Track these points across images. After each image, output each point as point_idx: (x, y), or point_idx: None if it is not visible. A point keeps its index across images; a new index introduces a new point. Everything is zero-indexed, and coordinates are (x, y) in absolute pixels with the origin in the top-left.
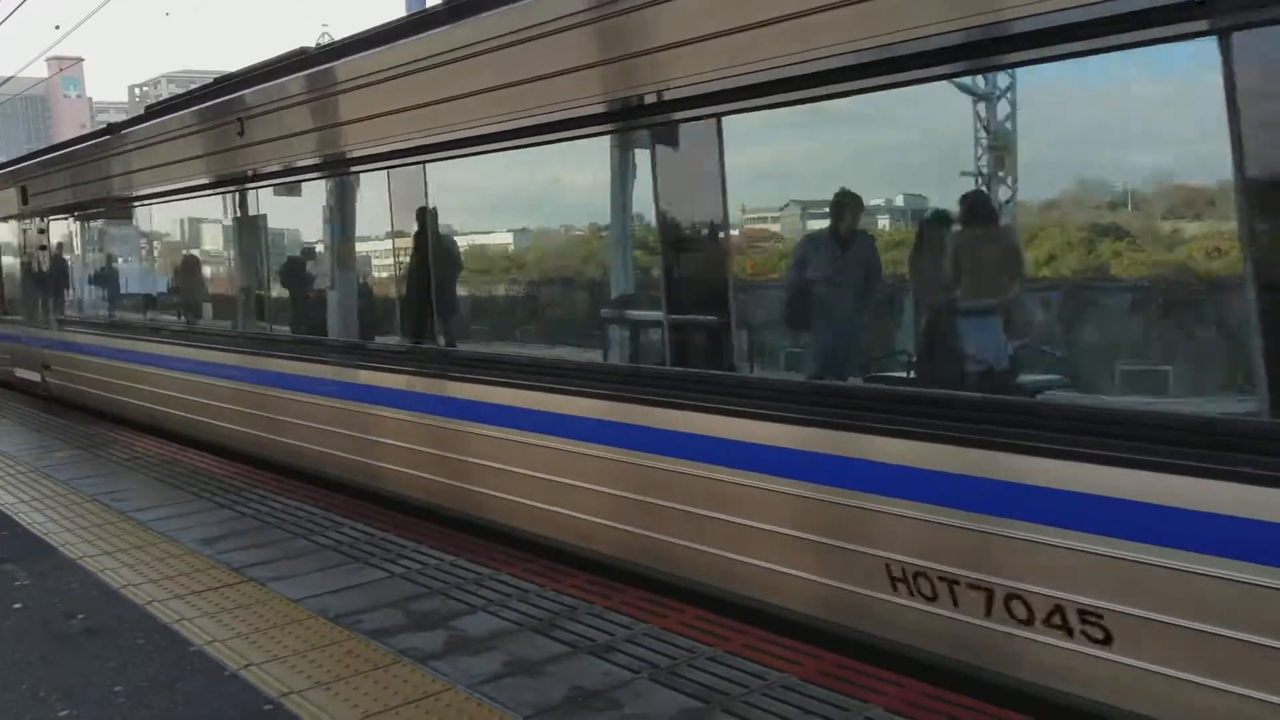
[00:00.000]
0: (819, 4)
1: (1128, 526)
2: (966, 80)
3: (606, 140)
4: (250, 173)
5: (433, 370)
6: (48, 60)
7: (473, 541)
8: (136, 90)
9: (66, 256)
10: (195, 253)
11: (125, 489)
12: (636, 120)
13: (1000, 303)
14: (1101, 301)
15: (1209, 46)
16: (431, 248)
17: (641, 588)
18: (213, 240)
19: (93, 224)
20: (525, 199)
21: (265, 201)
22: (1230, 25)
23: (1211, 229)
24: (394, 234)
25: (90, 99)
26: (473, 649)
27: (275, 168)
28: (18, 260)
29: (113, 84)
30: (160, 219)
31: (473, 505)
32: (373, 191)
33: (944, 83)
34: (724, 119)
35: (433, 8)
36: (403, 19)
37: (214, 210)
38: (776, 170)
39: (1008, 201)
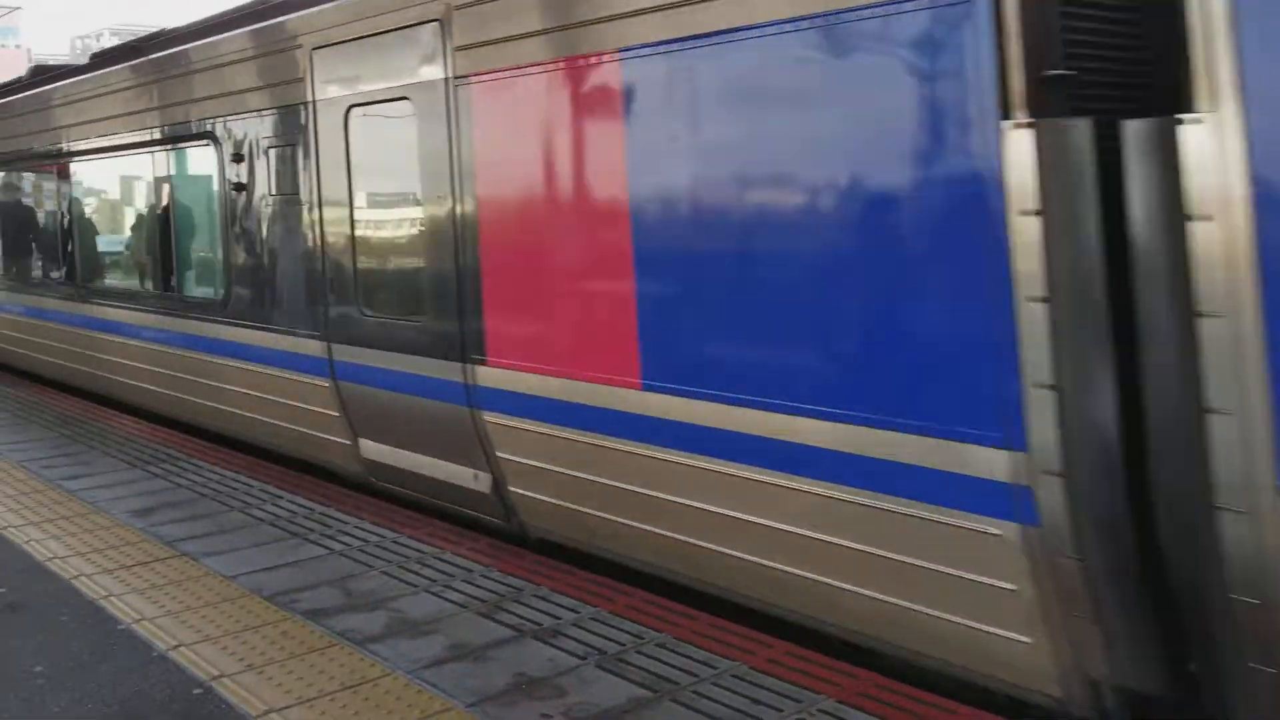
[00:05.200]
0: None
1: None
2: None
3: None
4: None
5: None
6: None
7: (416, 518)
8: (78, 42)
9: None
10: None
11: (54, 455)
12: None
13: None
14: None
15: None
16: None
17: (589, 570)
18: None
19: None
20: None
21: None
22: None
23: None
24: None
25: (29, 50)
26: (414, 632)
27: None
28: None
29: (53, 35)
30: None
31: None
32: None
33: None
34: None
35: None
36: None
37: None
38: None
39: None
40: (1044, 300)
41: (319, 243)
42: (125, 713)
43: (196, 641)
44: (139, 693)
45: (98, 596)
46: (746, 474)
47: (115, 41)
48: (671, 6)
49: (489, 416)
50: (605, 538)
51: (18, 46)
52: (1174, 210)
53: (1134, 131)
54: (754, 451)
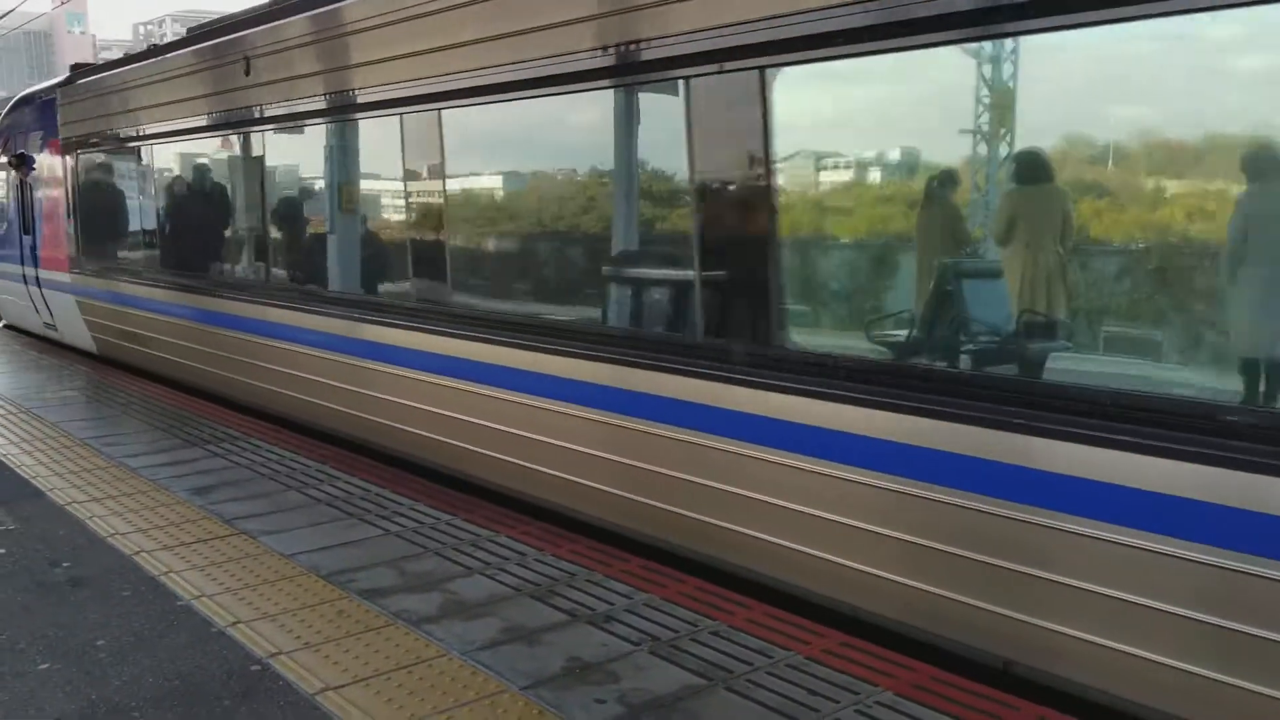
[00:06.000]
0: None
1: None
2: None
3: None
4: None
5: None
6: None
7: (469, 500)
8: (141, 28)
9: None
10: None
11: (118, 434)
12: None
13: None
14: None
15: None
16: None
17: (643, 556)
18: None
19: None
20: None
21: None
22: None
23: None
24: None
25: (94, 36)
26: (468, 614)
27: None
28: None
29: (116, 22)
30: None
31: None
32: None
33: None
34: None
35: None
36: None
37: None
38: None
39: None
40: None
41: None
42: (185, 688)
43: (254, 619)
44: (198, 668)
45: (158, 572)
46: None
47: (179, 29)
48: None
49: None
50: None
51: (83, 33)
52: None
53: None
54: None
